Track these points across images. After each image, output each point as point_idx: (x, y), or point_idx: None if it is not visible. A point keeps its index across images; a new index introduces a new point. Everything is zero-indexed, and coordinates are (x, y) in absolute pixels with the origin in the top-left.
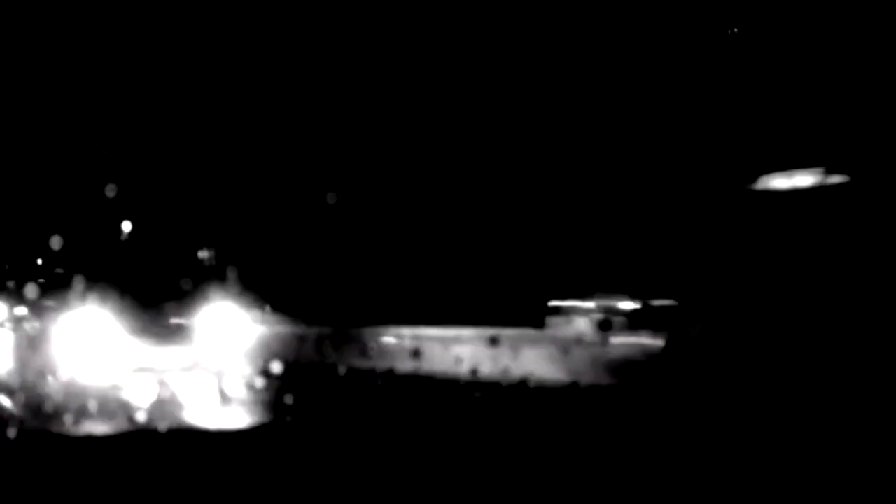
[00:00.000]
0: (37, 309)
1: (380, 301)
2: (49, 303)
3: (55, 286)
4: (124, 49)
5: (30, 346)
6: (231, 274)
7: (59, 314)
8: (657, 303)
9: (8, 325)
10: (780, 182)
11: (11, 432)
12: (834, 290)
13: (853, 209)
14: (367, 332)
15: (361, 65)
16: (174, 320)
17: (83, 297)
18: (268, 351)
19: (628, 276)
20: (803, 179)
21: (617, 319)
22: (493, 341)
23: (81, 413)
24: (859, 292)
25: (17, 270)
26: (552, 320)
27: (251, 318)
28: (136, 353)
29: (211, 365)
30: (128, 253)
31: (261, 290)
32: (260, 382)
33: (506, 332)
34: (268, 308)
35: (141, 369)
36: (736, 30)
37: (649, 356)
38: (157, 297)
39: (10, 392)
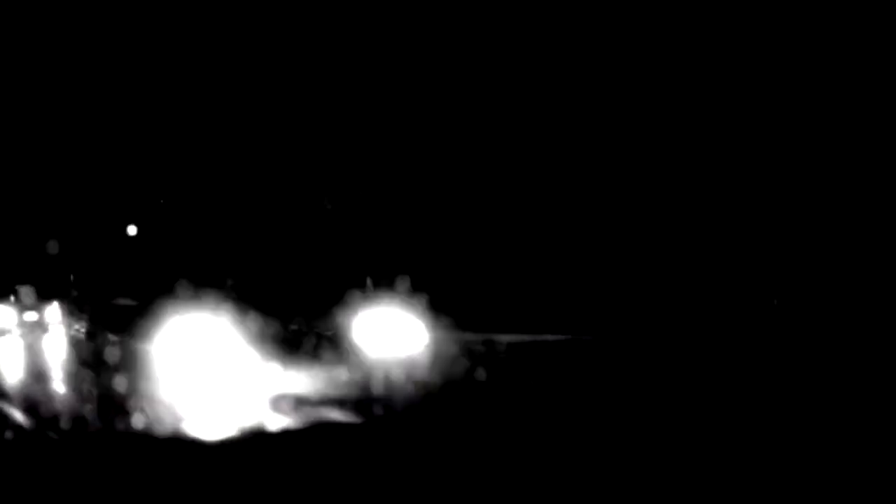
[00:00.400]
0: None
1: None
2: (126, 301)
3: (154, 287)
4: (128, 69)
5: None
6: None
7: (154, 320)
8: None
9: (16, 331)
10: None
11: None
12: None
13: None
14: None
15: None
16: (316, 330)
17: (193, 299)
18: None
19: None
20: None
21: None
22: None
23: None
24: None
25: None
26: None
27: (421, 324)
28: (267, 374)
29: (368, 389)
30: (248, 250)
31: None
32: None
33: None
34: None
35: (274, 398)
36: None
37: None
38: (290, 303)
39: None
